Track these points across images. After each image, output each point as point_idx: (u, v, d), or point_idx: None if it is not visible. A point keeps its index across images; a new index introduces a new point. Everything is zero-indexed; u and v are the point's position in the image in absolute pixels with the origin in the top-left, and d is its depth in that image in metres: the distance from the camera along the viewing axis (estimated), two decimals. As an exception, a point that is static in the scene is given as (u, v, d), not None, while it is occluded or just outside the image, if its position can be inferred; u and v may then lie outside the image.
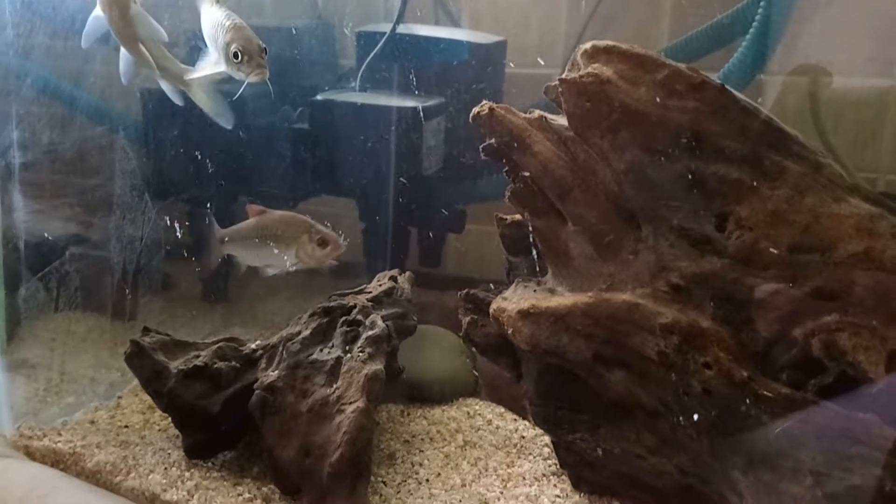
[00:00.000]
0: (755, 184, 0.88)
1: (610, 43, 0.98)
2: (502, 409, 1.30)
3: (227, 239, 1.29)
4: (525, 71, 2.00)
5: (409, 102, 1.64)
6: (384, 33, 1.73)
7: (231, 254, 1.30)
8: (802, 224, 0.86)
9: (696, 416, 0.88)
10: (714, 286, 0.90)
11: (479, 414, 1.29)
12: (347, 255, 1.78)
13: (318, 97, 1.68)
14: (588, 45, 0.99)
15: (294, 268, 1.21)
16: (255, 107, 1.73)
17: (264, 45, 1.07)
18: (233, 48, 1.05)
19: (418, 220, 1.73)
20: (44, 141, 1.28)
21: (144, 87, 1.66)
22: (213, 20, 1.10)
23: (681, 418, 0.90)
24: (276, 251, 1.22)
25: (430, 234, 1.79)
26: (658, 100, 0.92)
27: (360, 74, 1.75)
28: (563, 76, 0.99)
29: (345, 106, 1.65)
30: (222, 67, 1.09)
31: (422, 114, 1.62)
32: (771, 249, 0.87)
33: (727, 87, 0.92)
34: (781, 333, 0.87)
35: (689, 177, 0.91)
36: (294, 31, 1.80)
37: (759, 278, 0.88)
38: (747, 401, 0.83)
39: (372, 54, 1.73)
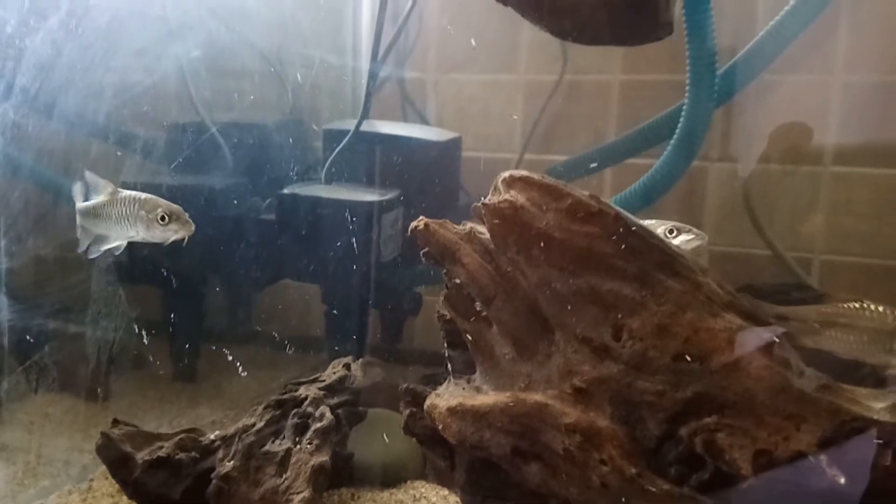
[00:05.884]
0: (644, 300, 1.02)
1: (524, 173, 1.12)
2: (446, 492, 1.40)
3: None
4: (486, 155, 2.18)
5: (369, 196, 1.79)
6: (348, 130, 1.89)
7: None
8: (683, 336, 0.99)
9: (598, 507, 1.00)
10: (612, 389, 1.03)
11: (425, 497, 1.39)
12: (312, 330, 1.91)
13: (285, 190, 1.83)
14: (507, 174, 1.14)
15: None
16: (228, 198, 1.88)
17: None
18: None
19: (376, 303, 1.86)
20: (28, 246, 1.41)
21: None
22: None
23: (586, 508, 1.02)
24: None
25: (390, 316, 1.92)
26: (562, 225, 1.06)
27: (325, 169, 1.91)
28: (485, 201, 1.14)
29: (309, 199, 1.79)
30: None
31: (379, 207, 1.77)
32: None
33: (621, 213, 1.06)
34: (669, 432, 0.99)
35: (589, 292, 1.05)
36: (266, 127, 1.97)
37: (649, 383, 1.00)
38: (635, 495, 0.95)
39: (336, 150, 1.89)
